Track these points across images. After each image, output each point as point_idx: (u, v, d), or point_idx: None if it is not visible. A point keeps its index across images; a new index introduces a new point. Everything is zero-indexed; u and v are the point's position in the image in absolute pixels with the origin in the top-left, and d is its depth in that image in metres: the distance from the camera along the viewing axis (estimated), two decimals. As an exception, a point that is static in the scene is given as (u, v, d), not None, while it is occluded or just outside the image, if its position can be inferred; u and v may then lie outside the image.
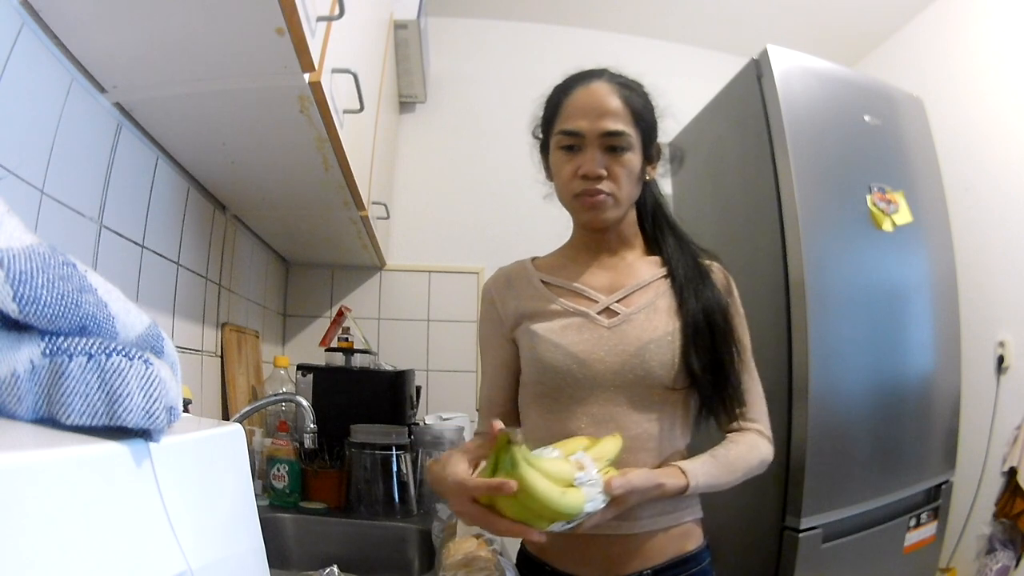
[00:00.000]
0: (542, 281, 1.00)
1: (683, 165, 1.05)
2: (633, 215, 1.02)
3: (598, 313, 0.94)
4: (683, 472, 0.85)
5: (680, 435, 0.94)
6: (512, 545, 1.05)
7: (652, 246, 1.03)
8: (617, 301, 0.95)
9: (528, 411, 0.97)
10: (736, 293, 1.00)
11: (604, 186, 0.92)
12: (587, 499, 0.74)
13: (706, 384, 0.91)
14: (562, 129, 0.95)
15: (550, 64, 1.19)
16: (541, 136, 1.03)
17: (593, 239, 1.01)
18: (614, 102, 0.93)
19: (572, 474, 0.74)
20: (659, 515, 0.90)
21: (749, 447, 0.93)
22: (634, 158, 0.94)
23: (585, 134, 0.92)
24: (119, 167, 1.04)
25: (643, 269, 0.99)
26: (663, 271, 0.98)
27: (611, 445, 0.82)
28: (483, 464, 0.77)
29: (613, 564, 0.89)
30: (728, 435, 0.95)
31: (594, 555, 0.89)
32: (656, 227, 1.03)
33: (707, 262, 1.00)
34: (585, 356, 0.91)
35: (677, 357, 0.90)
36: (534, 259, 1.06)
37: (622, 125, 0.92)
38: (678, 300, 0.94)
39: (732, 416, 0.95)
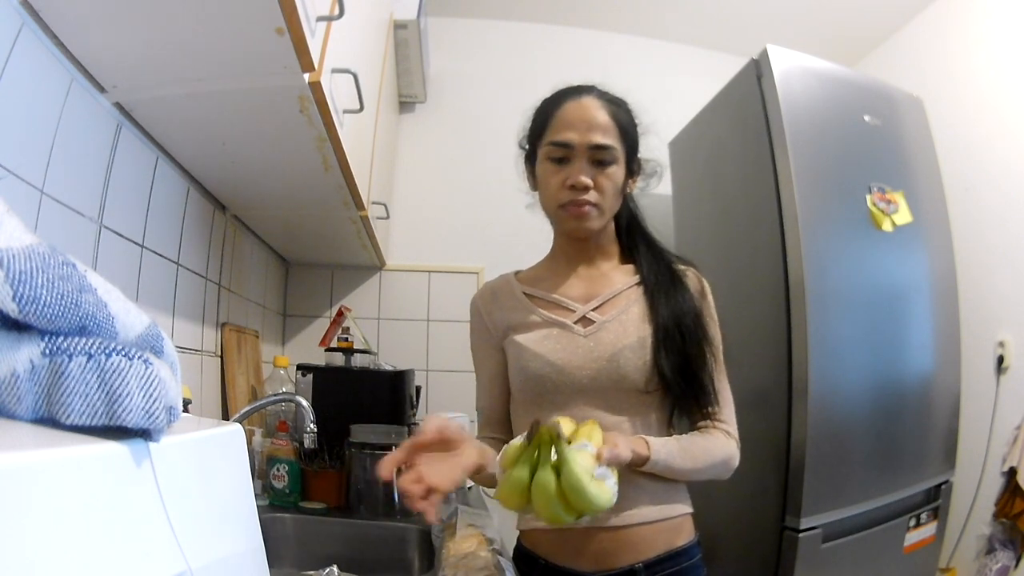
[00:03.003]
0: (524, 293, 1.04)
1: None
2: (611, 226, 1.05)
3: (574, 322, 0.98)
4: (647, 444, 0.88)
5: (656, 436, 0.95)
6: (512, 545, 1.05)
7: (627, 255, 1.06)
8: (592, 310, 0.98)
9: (517, 418, 1.02)
10: (711, 297, 1.03)
11: (591, 196, 0.95)
12: (612, 494, 0.76)
13: (676, 386, 0.94)
14: (552, 140, 0.97)
15: (550, 64, 1.19)
16: (527, 147, 1.06)
17: (572, 249, 1.04)
18: (603, 117, 0.96)
19: (594, 467, 0.76)
20: (650, 507, 0.92)
21: (714, 442, 0.95)
22: (619, 171, 0.97)
23: (575, 146, 0.95)
24: (119, 167, 1.04)
25: (617, 278, 1.02)
26: (636, 279, 1.02)
27: (598, 434, 0.83)
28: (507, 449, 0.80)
29: (606, 557, 0.92)
30: (696, 430, 0.98)
31: (587, 549, 0.92)
32: (630, 237, 1.07)
33: (682, 268, 1.03)
34: (563, 364, 0.94)
35: (649, 361, 0.93)
36: (517, 272, 1.10)
37: (610, 139, 0.96)
38: (650, 306, 0.97)
39: (704, 415, 0.97)
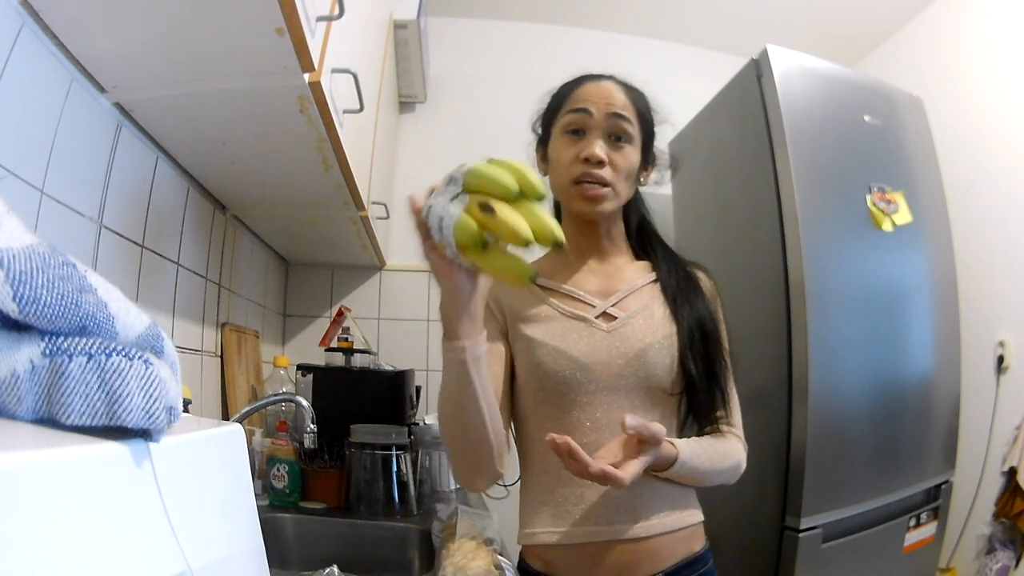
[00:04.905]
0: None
1: (677, 172, 1.06)
2: (621, 220, 1.03)
3: (596, 317, 0.94)
4: (673, 444, 0.85)
5: (675, 438, 0.94)
6: (512, 548, 1.05)
7: (639, 253, 1.04)
8: (612, 305, 0.95)
9: (526, 420, 0.96)
10: (719, 301, 1.01)
11: (605, 173, 0.93)
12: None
13: (702, 389, 0.92)
14: (570, 108, 0.96)
15: (550, 64, 1.19)
16: (540, 131, 1.04)
17: (583, 240, 1.00)
18: (622, 97, 0.96)
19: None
20: (669, 515, 0.90)
21: (728, 446, 0.94)
22: (634, 153, 0.96)
23: (593, 113, 0.94)
24: (119, 167, 1.04)
25: (633, 274, 1.00)
26: (653, 276, 0.99)
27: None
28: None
29: (626, 570, 0.88)
30: (705, 434, 0.96)
31: (606, 564, 0.88)
32: (643, 238, 1.05)
33: (693, 270, 1.02)
34: (587, 360, 0.90)
35: (675, 361, 0.91)
36: None
37: (629, 115, 0.95)
38: (671, 307, 0.95)
39: (714, 420, 0.96)
